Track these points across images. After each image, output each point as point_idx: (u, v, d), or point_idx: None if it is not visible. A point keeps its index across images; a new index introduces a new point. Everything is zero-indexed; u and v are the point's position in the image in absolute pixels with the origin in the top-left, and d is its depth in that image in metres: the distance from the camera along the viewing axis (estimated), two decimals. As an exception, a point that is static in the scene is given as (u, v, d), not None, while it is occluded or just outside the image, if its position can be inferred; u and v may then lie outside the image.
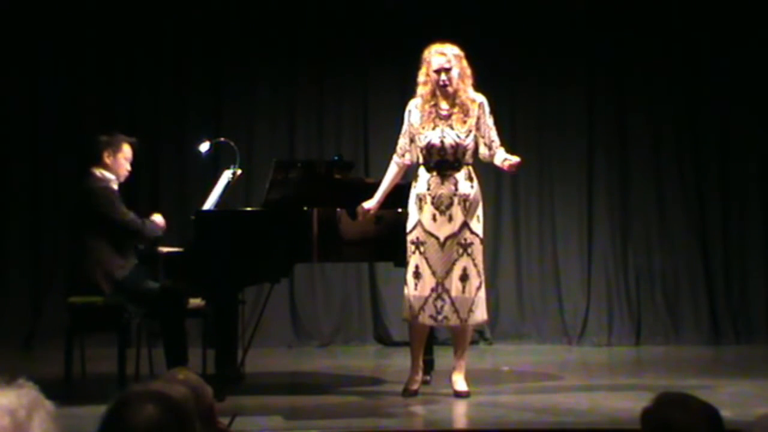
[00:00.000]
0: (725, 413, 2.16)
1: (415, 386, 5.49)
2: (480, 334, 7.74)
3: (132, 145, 5.58)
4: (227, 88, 8.00)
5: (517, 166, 5.35)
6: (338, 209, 5.57)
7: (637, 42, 7.97)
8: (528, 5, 7.95)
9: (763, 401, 5.14)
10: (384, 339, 7.83)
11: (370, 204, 5.54)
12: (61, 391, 5.03)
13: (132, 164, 5.60)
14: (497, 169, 5.61)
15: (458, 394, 5.42)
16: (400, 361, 6.15)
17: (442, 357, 6.09)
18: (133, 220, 5.45)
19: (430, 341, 5.95)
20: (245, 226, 5.51)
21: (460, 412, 5.29)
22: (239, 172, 5.82)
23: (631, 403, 4.87)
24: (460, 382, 5.46)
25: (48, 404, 1.79)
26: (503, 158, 5.34)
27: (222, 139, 6.21)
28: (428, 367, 5.84)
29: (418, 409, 5.28)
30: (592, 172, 8.02)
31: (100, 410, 1.83)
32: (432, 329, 5.80)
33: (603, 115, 8.04)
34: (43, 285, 7.63)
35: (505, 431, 4.76)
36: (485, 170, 7.73)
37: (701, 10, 7.93)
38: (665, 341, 7.77)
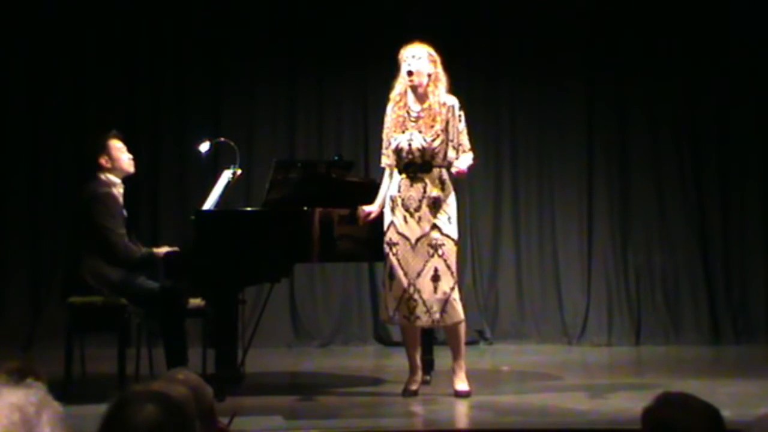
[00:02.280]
0: (725, 413, 2.16)
1: (414, 386, 5.50)
2: (480, 334, 7.75)
3: (116, 136, 5.56)
4: (227, 88, 7.99)
5: (462, 173, 5.34)
6: (338, 209, 5.57)
7: (637, 41, 7.97)
8: (528, 5, 7.95)
9: (763, 401, 5.13)
10: (384, 339, 7.82)
11: (371, 208, 5.55)
12: (61, 391, 5.03)
13: (128, 150, 5.58)
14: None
15: (459, 394, 5.42)
16: (400, 361, 6.15)
17: (442, 357, 6.08)
18: (121, 246, 5.40)
19: (430, 341, 5.96)
20: (245, 226, 5.51)
21: (460, 412, 5.29)
22: (239, 172, 5.82)
23: (631, 403, 4.88)
24: (460, 382, 5.46)
25: (56, 404, 1.81)
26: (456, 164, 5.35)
27: (222, 139, 6.21)
28: (428, 367, 5.85)
29: (418, 409, 5.28)
30: (592, 172, 8.02)
31: (100, 410, 1.83)
32: (431, 329, 5.81)
33: (603, 115, 8.05)
34: (43, 285, 7.63)
35: (505, 431, 4.76)
36: (485, 171, 7.78)
37: (701, 10, 7.93)
38: (665, 341, 7.76)
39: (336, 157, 6.17)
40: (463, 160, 5.35)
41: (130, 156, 5.58)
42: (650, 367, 7.06)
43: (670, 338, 7.79)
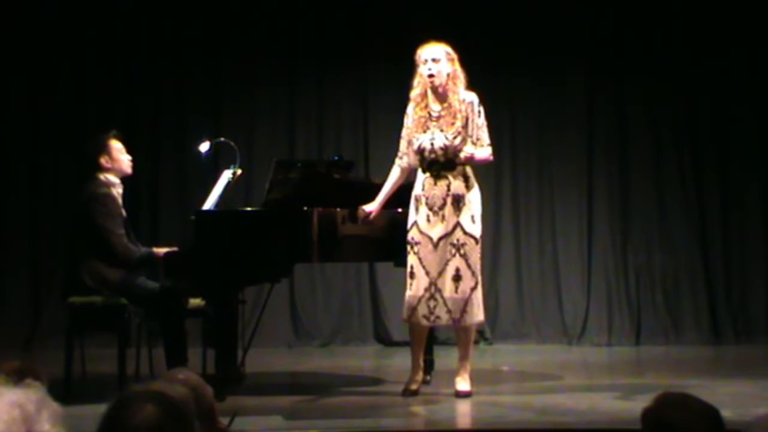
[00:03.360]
0: (725, 413, 2.16)
1: (415, 386, 5.49)
2: (480, 334, 7.74)
3: (116, 137, 5.56)
4: (227, 88, 8.00)
5: (470, 157, 5.36)
6: (338, 209, 5.57)
7: (637, 41, 7.98)
8: (528, 5, 7.95)
9: (763, 401, 5.13)
10: (384, 339, 7.83)
11: (371, 207, 5.55)
12: (61, 391, 5.03)
13: (127, 151, 5.58)
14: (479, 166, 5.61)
15: (459, 394, 5.42)
16: (400, 361, 6.15)
17: (442, 357, 6.09)
18: (121, 246, 5.39)
19: (431, 341, 5.95)
20: (245, 226, 5.51)
21: (460, 412, 5.29)
22: (239, 172, 5.82)
23: (631, 403, 4.88)
24: (462, 382, 5.46)
25: (54, 404, 1.83)
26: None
27: (222, 139, 6.21)
28: (428, 367, 5.84)
29: (419, 409, 5.27)
30: (592, 172, 8.02)
31: (100, 410, 1.83)
32: (432, 329, 5.81)
33: (603, 115, 8.05)
34: (43, 285, 7.63)
35: (505, 431, 4.76)
36: (485, 171, 7.76)
37: (701, 10, 7.93)
38: (665, 341, 7.77)
39: (336, 157, 6.18)
40: (479, 152, 5.39)
41: (130, 157, 5.58)
42: (650, 367, 7.06)
43: (670, 338, 7.79)
